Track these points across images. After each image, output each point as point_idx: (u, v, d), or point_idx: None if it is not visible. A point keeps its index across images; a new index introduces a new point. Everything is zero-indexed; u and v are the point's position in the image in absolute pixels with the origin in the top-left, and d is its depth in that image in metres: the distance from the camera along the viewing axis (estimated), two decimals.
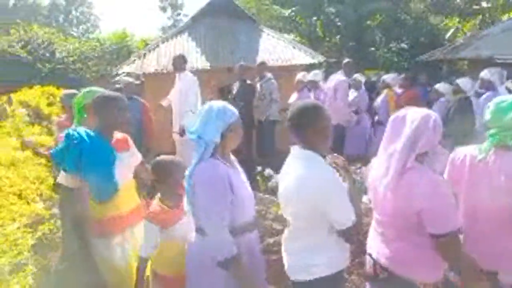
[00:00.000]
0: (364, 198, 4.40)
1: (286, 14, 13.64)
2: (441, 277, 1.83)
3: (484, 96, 4.62)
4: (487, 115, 1.88)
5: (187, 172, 1.89)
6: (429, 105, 5.34)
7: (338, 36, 12.77)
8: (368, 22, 12.91)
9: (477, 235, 1.89)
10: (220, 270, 1.78)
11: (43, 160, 3.06)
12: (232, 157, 2.03)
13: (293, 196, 1.81)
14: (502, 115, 1.79)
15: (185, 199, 1.97)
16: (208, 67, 7.14)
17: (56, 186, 2.96)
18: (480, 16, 12.88)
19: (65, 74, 10.33)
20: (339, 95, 5.78)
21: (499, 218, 1.82)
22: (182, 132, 5.04)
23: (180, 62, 5.25)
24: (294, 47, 8.09)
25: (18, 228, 1.86)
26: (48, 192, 2.52)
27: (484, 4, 12.63)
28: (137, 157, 2.50)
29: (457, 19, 13.41)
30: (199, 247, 1.90)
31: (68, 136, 2.18)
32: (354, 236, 1.81)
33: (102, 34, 16.55)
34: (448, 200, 1.69)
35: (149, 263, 2.16)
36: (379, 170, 1.83)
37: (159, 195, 2.19)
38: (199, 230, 1.90)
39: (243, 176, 2.01)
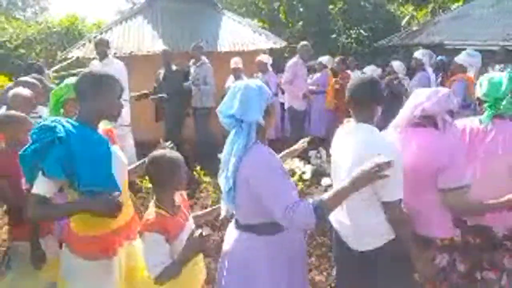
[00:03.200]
0: (327, 181, 4.47)
1: None
2: (457, 233, 2.07)
3: (416, 76, 5.18)
4: (483, 89, 2.09)
5: (231, 164, 1.67)
6: None
7: (300, 22, 12.77)
8: (330, 8, 13.01)
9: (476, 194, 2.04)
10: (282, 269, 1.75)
11: None
12: None
13: (358, 164, 1.68)
14: (497, 87, 2.04)
15: (224, 197, 1.77)
16: None
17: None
18: (432, 5, 13.38)
19: (7, 60, 9.56)
20: (291, 78, 5.74)
21: (494, 180, 2.00)
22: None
23: (104, 47, 4.79)
24: (255, 32, 7.95)
25: None
26: None
27: None
28: None
29: (412, 7, 13.84)
30: (257, 245, 1.74)
31: (45, 128, 1.65)
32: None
33: (52, 17, 15.47)
34: (463, 159, 1.90)
35: None
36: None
37: (154, 200, 1.81)
38: (255, 227, 1.74)
39: None
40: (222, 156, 1.79)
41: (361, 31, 12.37)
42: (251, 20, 12.38)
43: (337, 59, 6.35)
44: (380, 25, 12.63)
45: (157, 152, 1.80)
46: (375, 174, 1.51)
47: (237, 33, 7.69)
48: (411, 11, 14.12)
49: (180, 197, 1.92)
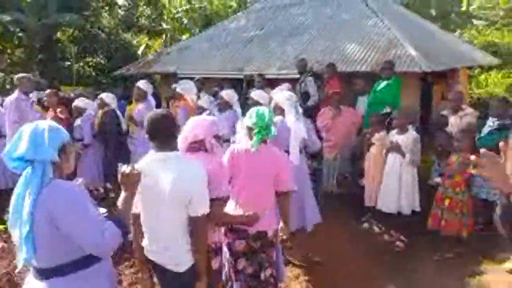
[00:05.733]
0: None
1: None
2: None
3: (143, 104, 5.53)
4: (253, 119, 2.60)
5: (26, 206, 1.61)
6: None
7: (21, 49, 11.07)
8: (59, 34, 11.92)
9: (250, 200, 2.57)
10: None
11: None
12: None
13: (178, 192, 2.02)
14: (263, 117, 2.58)
15: (21, 245, 1.62)
16: None
17: None
18: (164, 36, 14.59)
19: None
20: (15, 117, 5.01)
21: (260, 190, 2.59)
22: None
23: None
24: None
25: None
26: None
27: (165, 26, 14.38)
28: None
29: (146, 37, 14.62)
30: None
31: None
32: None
33: None
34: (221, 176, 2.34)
35: None
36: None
37: None
38: (63, 268, 1.69)
39: None
40: (12, 200, 1.71)
41: (98, 59, 12.01)
42: None
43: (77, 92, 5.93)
44: (118, 53, 12.67)
45: None
46: None
47: None
48: (146, 41, 14.90)
49: None
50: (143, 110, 5.41)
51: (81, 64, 11.72)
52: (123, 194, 1.92)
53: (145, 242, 2.21)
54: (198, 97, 5.88)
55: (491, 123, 4.04)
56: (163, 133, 2.12)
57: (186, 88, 5.60)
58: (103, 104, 5.41)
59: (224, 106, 4.93)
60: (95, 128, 5.42)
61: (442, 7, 15.96)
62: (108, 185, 5.56)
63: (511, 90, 9.98)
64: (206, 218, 2.11)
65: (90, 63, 11.88)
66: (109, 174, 5.28)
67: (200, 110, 4.94)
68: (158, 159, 2.12)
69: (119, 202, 1.91)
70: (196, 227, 2.09)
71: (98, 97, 5.60)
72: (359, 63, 6.59)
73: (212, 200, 2.18)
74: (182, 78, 7.19)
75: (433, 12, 15.31)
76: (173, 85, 7.27)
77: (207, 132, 2.35)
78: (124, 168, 1.94)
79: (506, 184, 1.38)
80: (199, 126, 2.36)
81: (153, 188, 2.07)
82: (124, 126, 5.52)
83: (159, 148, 2.13)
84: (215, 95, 6.29)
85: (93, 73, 11.71)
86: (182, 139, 2.35)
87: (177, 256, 2.11)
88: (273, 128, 2.65)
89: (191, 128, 2.37)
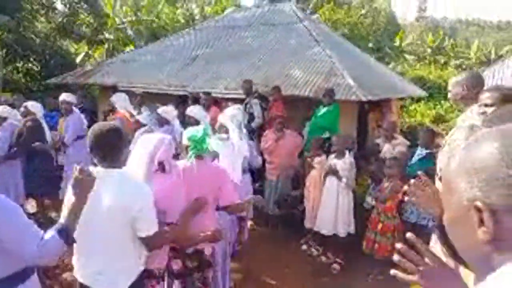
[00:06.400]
0: None
1: None
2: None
3: (69, 117, 5.43)
4: (188, 135, 2.59)
5: None
6: None
7: None
8: None
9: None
10: None
11: None
12: None
13: (119, 209, 1.91)
14: (196, 134, 2.57)
15: None
16: None
17: None
18: (106, 46, 13.96)
19: None
20: None
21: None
22: None
23: None
24: None
25: None
26: None
27: (107, 35, 13.80)
28: None
29: (86, 46, 13.88)
30: None
31: None
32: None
33: None
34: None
35: None
36: None
37: None
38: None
39: None
40: None
41: (31, 65, 11.09)
42: None
43: None
44: (53, 60, 11.83)
45: None
46: None
47: None
48: (86, 50, 14.14)
49: None
50: (68, 123, 5.35)
51: (10, 69, 10.71)
52: (73, 203, 1.75)
53: (77, 264, 2.04)
54: (139, 112, 5.69)
55: (420, 151, 4.34)
56: (107, 148, 1.97)
57: (120, 101, 5.54)
58: (27, 113, 4.99)
59: (162, 121, 4.90)
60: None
61: (379, 41, 17.29)
62: (31, 204, 5.11)
63: (437, 121, 10.96)
64: (158, 237, 2.05)
65: (21, 69, 10.89)
66: (29, 188, 4.93)
67: (138, 125, 4.81)
68: (102, 175, 1.93)
69: (68, 211, 1.75)
70: (150, 245, 2.04)
71: (23, 105, 5.16)
72: (302, 88, 6.80)
73: (167, 224, 2.13)
74: (122, 91, 6.87)
75: (370, 45, 16.51)
76: (111, 98, 6.95)
77: (169, 153, 2.30)
78: (78, 173, 1.73)
79: (435, 208, 1.50)
80: (162, 147, 2.27)
81: (92, 206, 1.90)
82: (49, 138, 5.13)
83: (101, 163, 1.98)
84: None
85: (23, 80, 10.75)
86: (149, 163, 2.22)
87: (112, 278, 1.98)
88: (208, 142, 2.62)
89: (156, 149, 2.25)
